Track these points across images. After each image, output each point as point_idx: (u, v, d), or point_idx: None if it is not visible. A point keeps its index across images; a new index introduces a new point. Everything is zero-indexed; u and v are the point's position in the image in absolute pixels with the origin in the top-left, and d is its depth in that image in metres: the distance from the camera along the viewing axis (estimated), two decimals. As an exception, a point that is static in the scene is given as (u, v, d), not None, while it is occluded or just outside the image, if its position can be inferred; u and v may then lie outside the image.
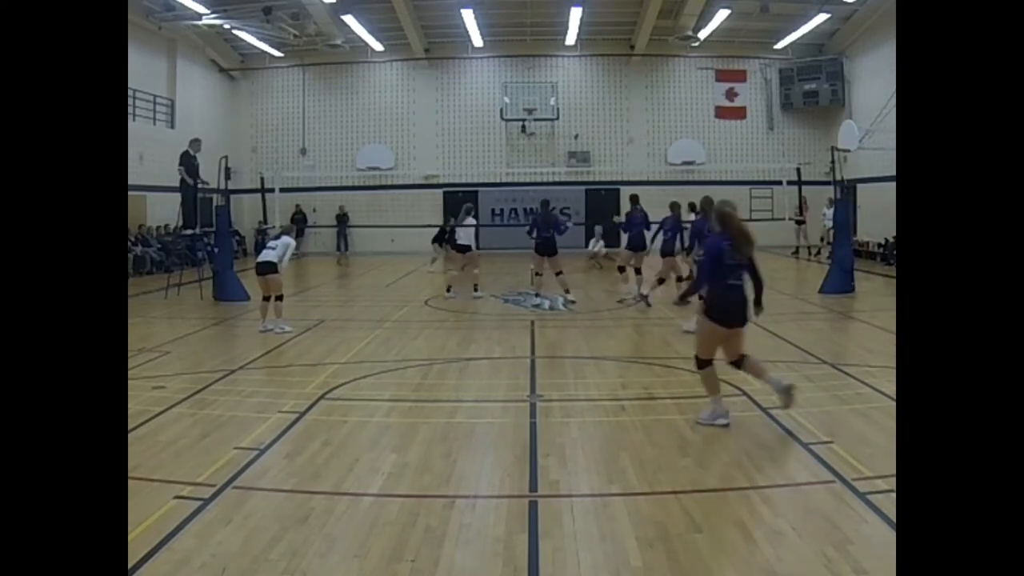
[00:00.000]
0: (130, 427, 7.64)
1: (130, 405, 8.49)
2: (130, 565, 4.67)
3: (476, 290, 18.24)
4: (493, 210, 32.32)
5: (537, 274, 17.40)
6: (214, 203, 19.12)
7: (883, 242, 25.64)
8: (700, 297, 8.34)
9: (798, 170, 27.29)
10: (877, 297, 17.55)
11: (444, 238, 24.06)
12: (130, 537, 5.05)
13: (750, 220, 29.42)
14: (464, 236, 18.42)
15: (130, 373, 10.13)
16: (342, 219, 32.51)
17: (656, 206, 27.45)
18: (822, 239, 28.41)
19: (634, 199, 17.92)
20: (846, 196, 19.72)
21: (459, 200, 32.10)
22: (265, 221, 27.24)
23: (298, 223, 31.57)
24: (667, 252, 15.61)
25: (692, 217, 15.11)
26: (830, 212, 27.45)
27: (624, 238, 18.18)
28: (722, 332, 7.62)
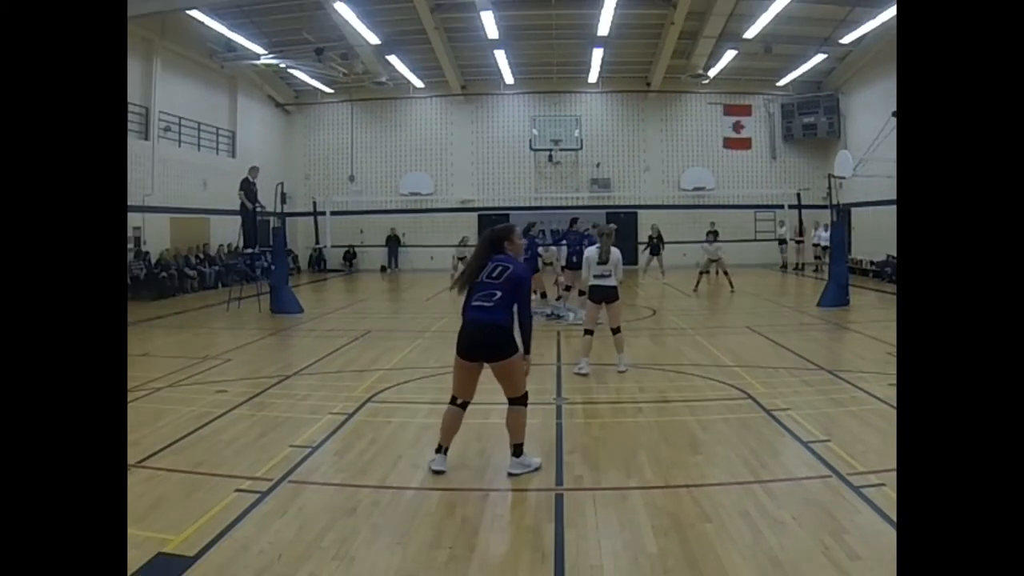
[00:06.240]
0: (194, 427, 7.70)
1: (195, 407, 8.57)
2: (195, 552, 4.71)
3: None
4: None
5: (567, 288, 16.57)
6: (271, 225, 19.24)
7: (872, 261, 25.67)
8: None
9: (798, 195, 27.35)
10: (870, 310, 17.39)
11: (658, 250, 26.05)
12: (195, 526, 5.11)
13: (755, 240, 29.78)
14: None
15: (195, 378, 10.22)
16: (393, 240, 32.74)
17: (667, 228, 27.70)
18: (817, 257, 28.46)
19: None
20: (841, 219, 19.63)
21: (492, 222, 32.35)
22: (317, 241, 27.44)
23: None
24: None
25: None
26: (819, 232, 27.62)
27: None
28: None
